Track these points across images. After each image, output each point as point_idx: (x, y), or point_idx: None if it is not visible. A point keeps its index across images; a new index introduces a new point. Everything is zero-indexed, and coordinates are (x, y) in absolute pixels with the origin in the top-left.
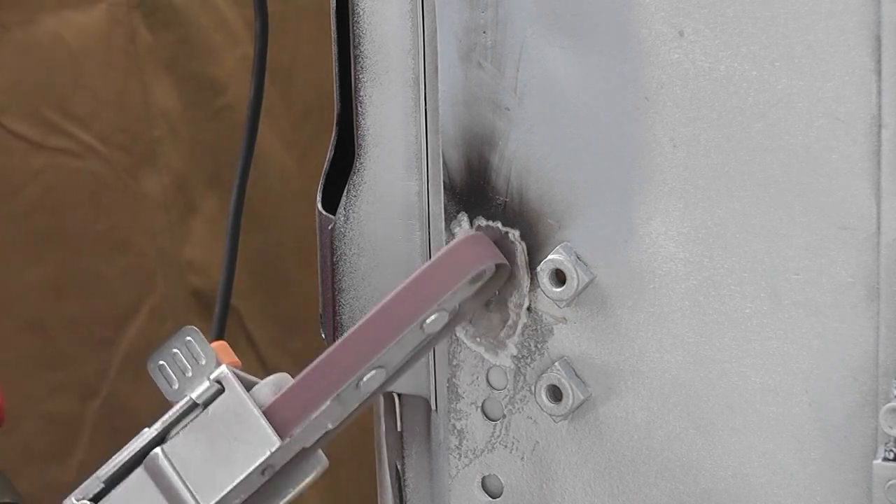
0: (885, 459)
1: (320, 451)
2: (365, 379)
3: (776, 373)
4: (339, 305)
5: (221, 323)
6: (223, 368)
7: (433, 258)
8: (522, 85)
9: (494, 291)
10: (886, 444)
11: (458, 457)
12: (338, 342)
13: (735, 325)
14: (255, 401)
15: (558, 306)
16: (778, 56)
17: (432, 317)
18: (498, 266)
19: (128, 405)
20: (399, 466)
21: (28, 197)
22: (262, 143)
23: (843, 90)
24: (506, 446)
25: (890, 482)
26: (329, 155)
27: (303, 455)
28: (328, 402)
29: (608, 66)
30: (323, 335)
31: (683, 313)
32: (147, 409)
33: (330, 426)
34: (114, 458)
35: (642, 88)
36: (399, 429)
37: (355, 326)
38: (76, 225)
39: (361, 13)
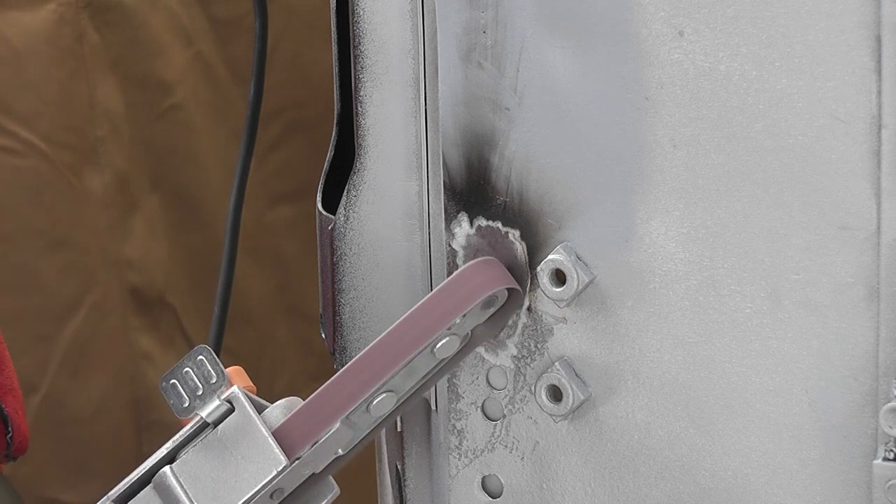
0: (885, 459)
1: (331, 478)
2: (374, 402)
3: (776, 373)
4: (339, 305)
5: (221, 323)
6: (234, 389)
7: (444, 282)
8: (522, 85)
9: (508, 319)
10: (886, 444)
11: (458, 457)
12: (348, 365)
13: (735, 325)
14: (264, 422)
15: (558, 306)
16: (778, 56)
17: (443, 341)
18: (511, 292)
19: (67, 400)
20: (399, 466)
21: None
22: (211, 141)
23: (843, 90)
24: (506, 446)
25: (890, 482)
26: (329, 155)
27: (313, 481)
28: (337, 425)
29: (608, 66)
30: (323, 335)
31: (683, 313)
32: (87, 405)
33: (340, 452)
34: (126, 478)
35: (642, 88)
36: (399, 429)
37: (365, 349)
38: (15, 222)
39: (361, 13)
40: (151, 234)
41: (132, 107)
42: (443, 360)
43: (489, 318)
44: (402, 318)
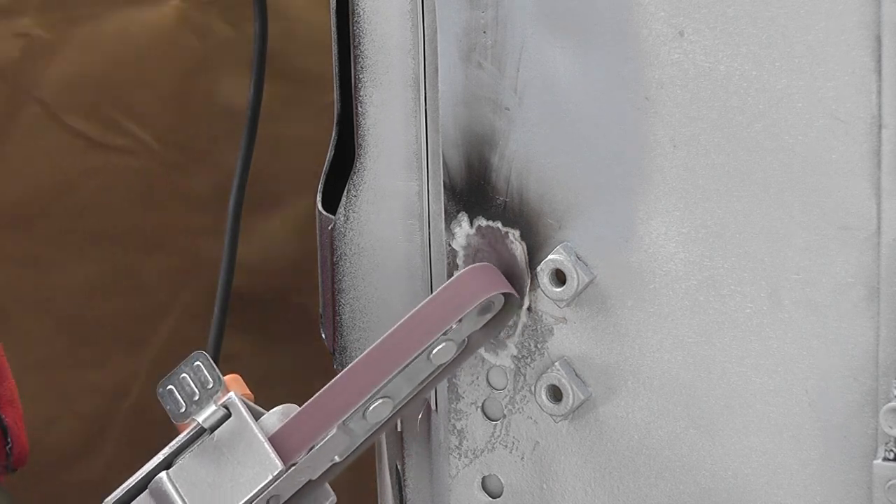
0: (885, 459)
1: (327, 486)
2: (371, 408)
3: (776, 373)
4: (339, 305)
5: (220, 324)
6: (231, 395)
7: (440, 288)
8: (522, 85)
9: (505, 324)
10: (886, 444)
11: (458, 457)
12: (344, 371)
13: (735, 325)
14: (261, 427)
15: (558, 306)
16: (778, 56)
17: (439, 347)
18: (507, 297)
19: (157, 405)
20: (399, 466)
21: (83, 195)
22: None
23: (843, 90)
24: (506, 446)
25: (890, 482)
26: (329, 155)
27: (310, 488)
28: (333, 430)
29: (608, 66)
30: (323, 335)
31: (683, 313)
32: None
33: (337, 458)
34: (123, 484)
35: (642, 88)
36: (399, 429)
37: (361, 355)
38: (126, 224)
39: (361, 13)
40: (246, 235)
41: (279, 104)
42: (439, 365)
43: (486, 323)
44: (398, 323)
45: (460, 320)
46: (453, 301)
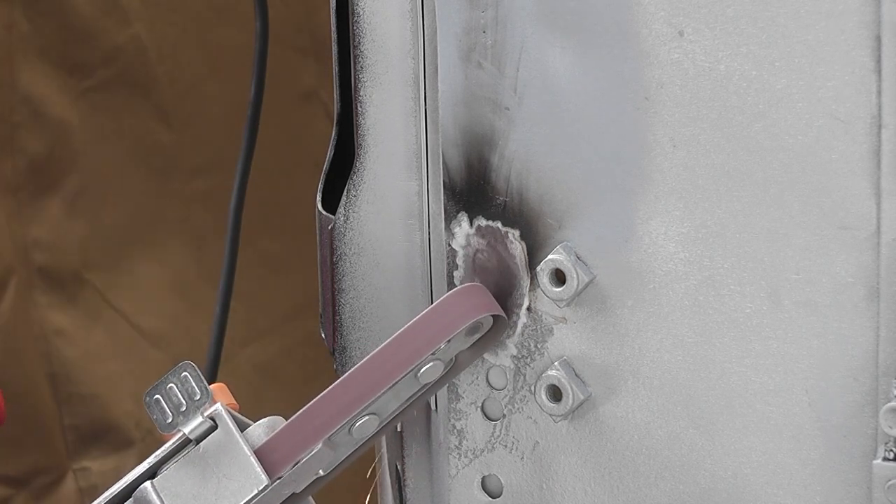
0: (885, 459)
1: (311, 499)
2: (357, 425)
3: (776, 373)
4: (339, 305)
5: (221, 325)
6: (217, 406)
7: (429, 307)
8: (522, 85)
9: (493, 345)
10: (886, 444)
11: (458, 457)
12: (331, 387)
13: (735, 325)
14: (247, 440)
15: (558, 306)
16: (778, 56)
17: (427, 366)
18: (496, 318)
19: None
20: (399, 466)
21: None
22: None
23: (843, 90)
24: (506, 446)
25: (890, 482)
26: (329, 155)
27: (293, 501)
28: (319, 446)
29: (608, 66)
30: (323, 335)
31: (683, 313)
32: None
33: (321, 472)
34: (106, 492)
35: (642, 88)
36: (399, 429)
37: (349, 372)
38: None
39: (361, 13)
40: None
41: (59, 90)
42: (426, 384)
43: (473, 343)
44: (387, 341)
45: (449, 340)
46: (442, 321)
